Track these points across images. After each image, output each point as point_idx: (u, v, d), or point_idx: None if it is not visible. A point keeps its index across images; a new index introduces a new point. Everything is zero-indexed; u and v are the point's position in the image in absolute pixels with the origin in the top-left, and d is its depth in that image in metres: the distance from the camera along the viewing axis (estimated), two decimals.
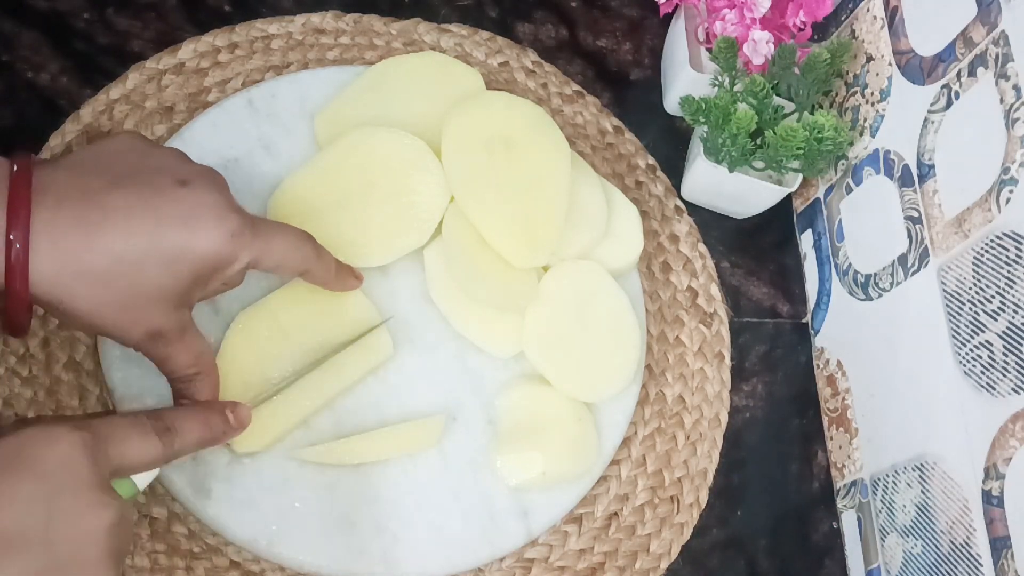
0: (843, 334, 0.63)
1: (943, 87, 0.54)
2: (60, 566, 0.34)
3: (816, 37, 0.68)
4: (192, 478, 0.49)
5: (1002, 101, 0.49)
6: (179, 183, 0.41)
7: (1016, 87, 0.48)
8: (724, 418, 0.61)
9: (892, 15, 0.60)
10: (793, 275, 0.68)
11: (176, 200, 0.40)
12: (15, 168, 0.39)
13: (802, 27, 0.63)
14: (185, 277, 0.41)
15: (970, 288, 0.51)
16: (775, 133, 0.59)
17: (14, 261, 0.38)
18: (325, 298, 0.52)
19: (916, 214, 0.56)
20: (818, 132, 0.59)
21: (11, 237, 0.37)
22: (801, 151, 0.59)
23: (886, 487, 0.57)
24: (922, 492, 0.54)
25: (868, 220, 0.62)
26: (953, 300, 0.52)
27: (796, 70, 0.62)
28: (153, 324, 0.42)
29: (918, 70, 0.57)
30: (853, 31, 0.64)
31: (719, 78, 0.61)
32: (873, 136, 0.61)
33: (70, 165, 0.41)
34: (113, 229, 0.39)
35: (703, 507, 0.58)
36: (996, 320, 0.48)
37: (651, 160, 0.67)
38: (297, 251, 0.46)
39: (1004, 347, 0.48)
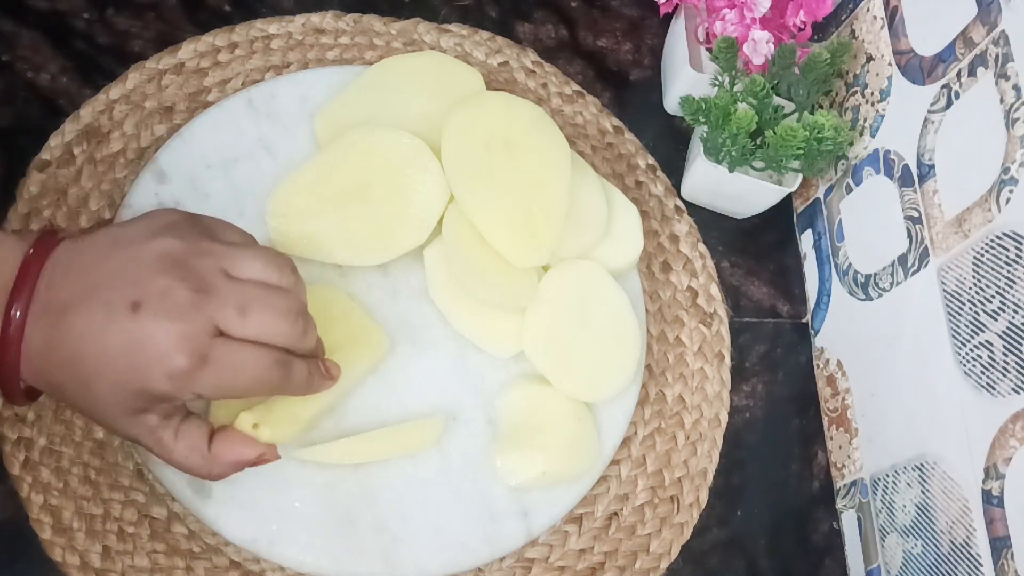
0: (843, 334, 0.63)
1: (943, 87, 0.54)
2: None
3: (816, 37, 0.68)
4: (192, 478, 0.49)
5: (1002, 101, 0.49)
6: (132, 307, 0.39)
7: (1016, 87, 0.48)
8: (724, 418, 0.61)
9: (892, 15, 0.60)
10: (793, 275, 0.68)
11: (121, 330, 0.39)
12: (31, 251, 0.40)
13: (802, 27, 0.63)
14: (129, 402, 0.40)
15: (970, 288, 0.51)
16: (775, 133, 0.59)
17: (12, 333, 0.39)
18: (319, 304, 0.52)
19: (916, 214, 0.56)
20: (818, 132, 0.59)
21: (12, 311, 0.39)
22: (801, 151, 0.59)
23: (886, 487, 0.57)
24: (922, 492, 0.54)
25: (868, 220, 0.62)
26: (953, 300, 0.52)
27: (796, 70, 0.62)
28: (120, 430, 0.42)
29: (918, 70, 0.57)
30: (853, 31, 0.64)
31: (719, 78, 0.61)
32: (873, 136, 0.61)
33: (77, 255, 0.41)
34: (67, 349, 0.39)
35: (703, 507, 0.58)
36: (996, 320, 0.48)
37: (651, 160, 0.67)
38: (260, 383, 0.42)
39: (1004, 347, 0.48)
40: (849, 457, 0.61)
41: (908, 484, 0.55)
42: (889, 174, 0.59)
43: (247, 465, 0.46)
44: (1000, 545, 0.47)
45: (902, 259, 0.57)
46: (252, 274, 0.42)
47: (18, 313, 0.39)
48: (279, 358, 0.42)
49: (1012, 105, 0.48)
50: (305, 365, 0.45)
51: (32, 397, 0.42)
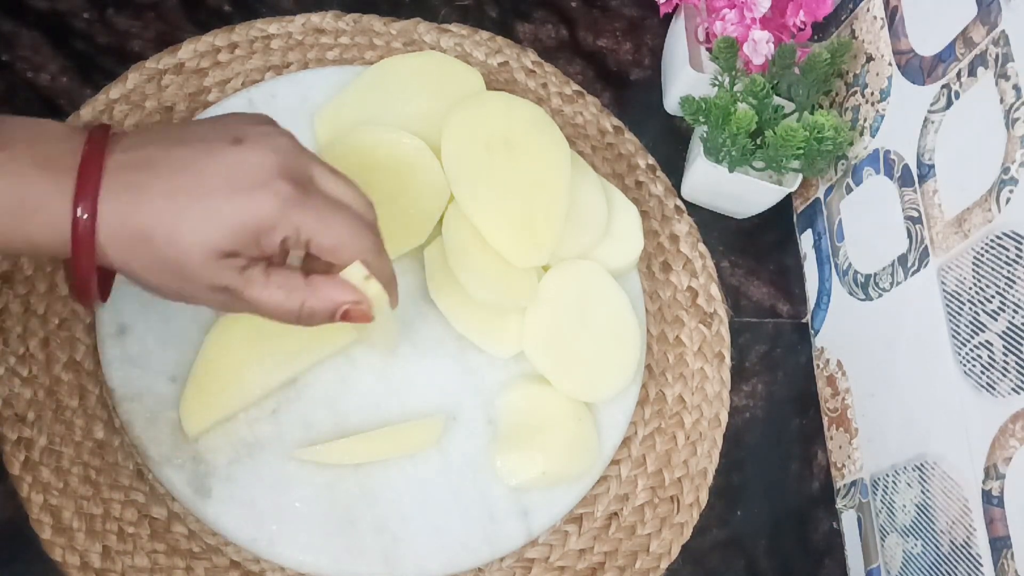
0: (843, 334, 0.63)
1: (943, 87, 0.54)
2: None
3: (816, 37, 0.68)
4: (192, 478, 0.49)
5: (1002, 101, 0.49)
6: (233, 141, 0.39)
7: (1016, 87, 0.48)
8: (724, 418, 0.61)
9: (892, 15, 0.60)
10: (793, 275, 0.68)
11: (223, 159, 0.39)
12: (89, 139, 0.38)
13: (802, 27, 0.63)
14: (222, 237, 0.39)
15: (970, 288, 0.51)
16: (775, 133, 0.59)
17: (81, 232, 0.37)
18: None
19: (916, 214, 0.56)
20: (818, 132, 0.59)
21: (78, 211, 0.37)
22: (801, 151, 0.59)
23: (886, 487, 0.57)
24: (922, 492, 0.54)
25: (868, 220, 0.62)
26: (953, 300, 0.52)
27: (796, 70, 0.62)
28: (206, 280, 0.40)
29: (918, 70, 0.57)
30: (853, 31, 0.64)
31: (719, 78, 0.61)
32: (873, 136, 0.61)
33: (142, 136, 0.40)
34: (158, 187, 0.38)
35: (703, 507, 0.58)
36: (996, 320, 0.48)
37: (651, 160, 0.67)
38: (354, 239, 0.42)
39: (1004, 347, 0.48)
40: (849, 457, 0.61)
41: (908, 484, 0.55)
42: (889, 174, 0.59)
43: (343, 309, 0.43)
44: (1000, 545, 0.47)
45: (902, 259, 0.57)
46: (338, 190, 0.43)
47: (84, 214, 0.37)
48: (373, 226, 0.44)
49: (1012, 105, 0.48)
50: (390, 263, 0.46)
51: (104, 294, 0.42)
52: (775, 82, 0.62)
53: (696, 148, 0.63)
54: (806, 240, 0.68)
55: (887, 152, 0.59)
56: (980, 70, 0.51)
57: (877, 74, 0.61)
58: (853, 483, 0.60)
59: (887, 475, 0.57)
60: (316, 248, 0.41)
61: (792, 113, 0.63)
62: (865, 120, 0.62)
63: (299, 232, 0.40)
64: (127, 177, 0.38)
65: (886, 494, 0.57)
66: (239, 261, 0.40)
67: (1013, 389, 0.47)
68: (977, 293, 0.50)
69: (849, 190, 0.64)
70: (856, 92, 0.64)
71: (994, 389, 0.48)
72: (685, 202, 0.66)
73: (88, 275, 0.39)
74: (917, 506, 0.54)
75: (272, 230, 0.39)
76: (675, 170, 0.67)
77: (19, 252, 0.41)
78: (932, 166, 0.55)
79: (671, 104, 0.68)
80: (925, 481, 0.54)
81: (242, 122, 0.42)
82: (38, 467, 0.49)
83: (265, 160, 0.39)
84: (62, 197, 0.37)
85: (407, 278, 0.56)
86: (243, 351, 0.51)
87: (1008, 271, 0.48)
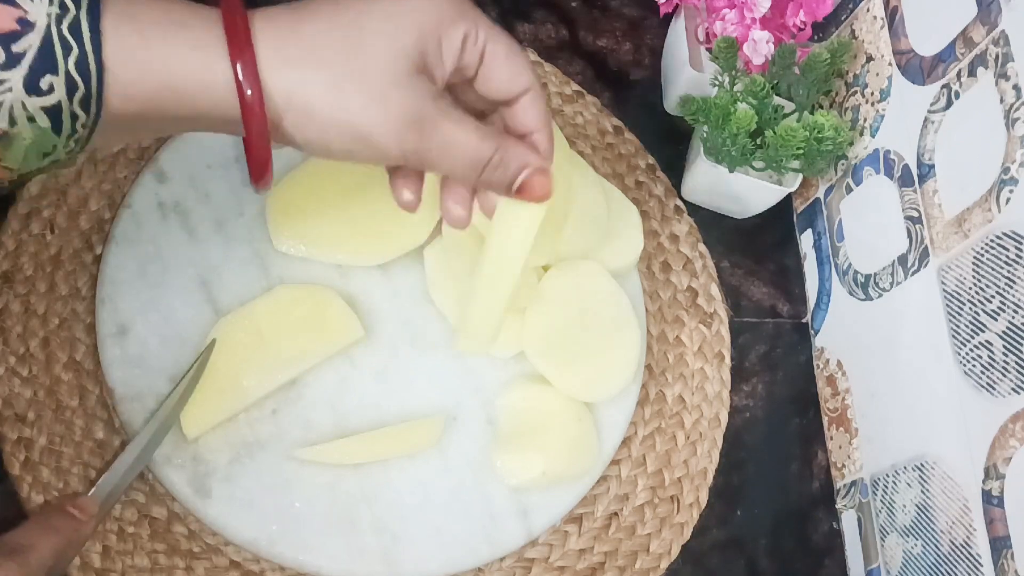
0: (843, 334, 0.63)
1: (943, 87, 0.54)
2: None
3: (816, 37, 0.68)
4: (192, 478, 0.49)
5: (1002, 101, 0.49)
6: None
7: (1016, 87, 0.48)
8: (724, 418, 0.61)
9: (892, 15, 0.60)
10: (793, 275, 0.68)
11: None
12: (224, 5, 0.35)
13: (802, 27, 0.63)
14: (408, 32, 0.36)
15: (970, 288, 0.51)
16: (775, 133, 0.59)
17: (248, 98, 0.34)
18: (308, 307, 0.52)
19: (916, 214, 0.56)
20: (818, 132, 0.59)
21: (237, 71, 0.34)
22: (801, 151, 0.59)
23: (886, 487, 0.57)
24: (922, 492, 0.54)
25: (868, 220, 0.62)
26: (953, 300, 0.52)
27: (796, 70, 0.62)
28: (401, 105, 0.36)
29: (918, 70, 0.57)
30: (853, 31, 0.64)
31: (719, 78, 0.61)
32: (873, 136, 0.61)
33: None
34: (322, 5, 0.36)
35: (703, 507, 0.58)
36: (996, 320, 0.48)
37: (651, 160, 0.67)
38: (525, 61, 0.40)
39: (1004, 347, 0.48)
40: (849, 457, 0.61)
41: (908, 484, 0.55)
42: (889, 174, 0.59)
43: (530, 171, 0.40)
44: (1000, 545, 0.47)
45: (902, 259, 0.57)
46: None
47: (241, 68, 0.34)
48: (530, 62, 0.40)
49: (1012, 105, 0.48)
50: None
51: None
52: (775, 82, 0.62)
53: (696, 148, 0.63)
54: (806, 240, 0.68)
55: (887, 152, 0.59)
56: (980, 70, 0.51)
57: (877, 74, 0.61)
58: (853, 483, 0.60)
59: (887, 475, 0.57)
60: (491, 56, 0.39)
61: (792, 113, 0.63)
62: (865, 120, 0.62)
63: (477, 29, 0.37)
64: (284, 20, 0.35)
65: (886, 494, 0.57)
66: (431, 87, 0.37)
67: (1013, 389, 0.47)
68: (977, 293, 0.50)
69: (849, 190, 0.64)
70: (856, 92, 0.64)
71: (994, 389, 0.48)
72: (685, 202, 0.66)
73: (263, 155, 0.36)
74: (917, 506, 0.54)
75: (454, 23, 0.37)
76: (675, 170, 0.67)
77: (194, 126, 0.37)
78: (932, 166, 0.55)
79: (671, 104, 0.68)
80: (925, 481, 0.54)
81: None
82: (38, 467, 0.49)
83: None
84: (223, 70, 0.34)
85: (407, 278, 0.56)
86: (243, 352, 0.51)
87: (1008, 271, 0.48)
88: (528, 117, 0.41)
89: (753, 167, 0.62)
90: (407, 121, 0.36)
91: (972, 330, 0.50)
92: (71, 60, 0.32)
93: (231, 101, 0.34)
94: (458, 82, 0.40)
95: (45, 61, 0.31)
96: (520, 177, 0.40)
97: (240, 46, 0.34)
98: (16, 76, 0.31)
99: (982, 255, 0.50)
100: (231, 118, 0.35)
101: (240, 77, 0.34)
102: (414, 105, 0.36)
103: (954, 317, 0.52)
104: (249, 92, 0.34)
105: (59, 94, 0.32)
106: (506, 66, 0.39)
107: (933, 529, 0.53)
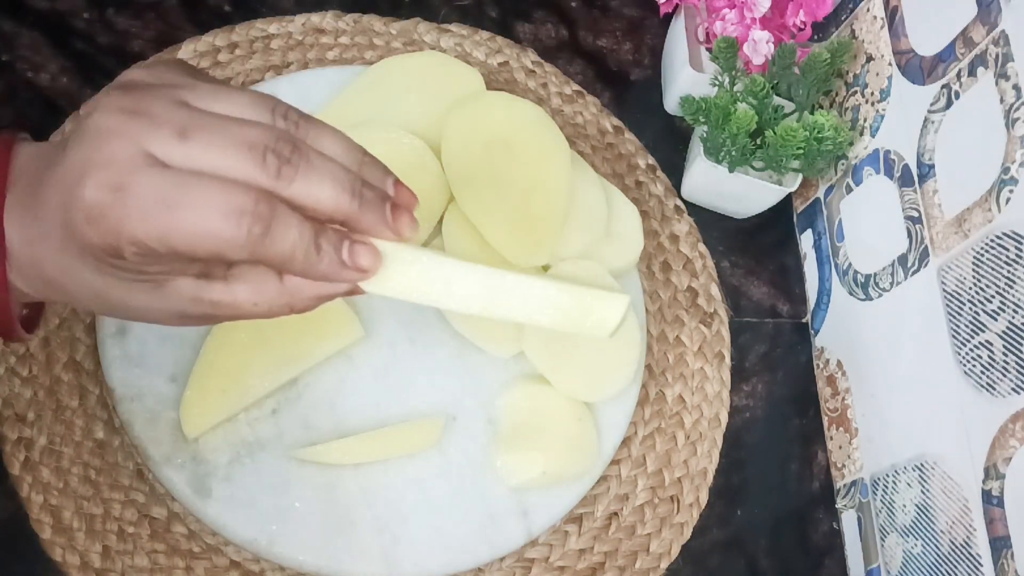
0: (843, 334, 0.63)
1: (943, 87, 0.54)
2: None
3: (816, 37, 0.68)
4: (192, 478, 0.49)
5: (1002, 101, 0.49)
6: (61, 143, 0.32)
7: (1016, 87, 0.48)
8: (724, 418, 0.61)
9: (892, 15, 0.60)
10: (793, 275, 0.68)
11: (56, 169, 0.31)
12: None
13: (802, 27, 0.63)
14: (82, 236, 0.31)
15: (970, 288, 0.51)
16: (775, 133, 0.59)
17: None
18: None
19: (916, 214, 0.56)
20: (818, 132, 0.59)
21: None
22: (801, 151, 0.59)
23: (886, 487, 0.57)
24: (922, 492, 0.54)
25: (868, 220, 0.62)
26: (953, 300, 0.52)
27: (796, 70, 0.62)
28: (154, 309, 0.34)
29: (918, 70, 0.57)
30: (853, 31, 0.64)
31: (719, 78, 0.61)
32: (873, 136, 0.61)
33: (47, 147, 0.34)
34: (48, 186, 0.32)
35: (703, 507, 0.58)
36: (996, 320, 0.48)
37: (651, 160, 0.67)
38: (212, 231, 0.30)
39: (1004, 347, 0.48)
40: (849, 457, 0.61)
41: (908, 484, 0.55)
42: (889, 174, 0.59)
43: (333, 296, 0.35)
44: (1000, 545, 0.47)
45: (902, 259, 0.57)
46: (222, 109, 0.32)
47: None
48: (247, 203, 0.30)
49: (1012, 105, 0.48)
50: (303, 227, 0.32)
51: (31, 326, 0.36)
52: (775, 82, 0.62)
53: (696, 148, 0.63)
54: (806, 240, 0.68)
55: (887, 152, 0.59)
56: (980, 70, 0.51)
57: (877, 74, 0.61)
58: (853, 483, 0.60)
59: (887, 475, 0.57)
60: (176, 240, 0.33)
61: (792, 113, 0.63)
62: (865, 120, 0.62)
63: (142, 234, 0.31)
64: (29, 185, 0.32)
65: (886, 494, 0.57)
66: (184, 283, 0.34)
67: (1013, 389, 0.47)
68: (977, 293, 0.50)
69: (849, 190, 0.64)
70: (856, 92, 0.64)
71: (994, 389, 0.48)
72: (685, 202, 0.66)
73: (5, 313, 0.33)
74: (917, 506, 0.54)
75: (114, 253, 0.32)
76: (675, 170, 0.67)
77: None
78: (932, 166, 0.55)
79: (671, 104, 0.68)
80: (925, 481, 0.54)
81: (97, 101, 0.32)
82: (38, 467, 0.49)
83: (76, 160, 0.31)
84: None
85: None
86: (243, 351, 0.51)
87: (1008, 271, 0.48)
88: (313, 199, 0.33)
89: (753, 167, 0.62)
90: (175, 314, 0.34)
91: (972, 330, 0.50)
92: None
93: None
94: None
95: None
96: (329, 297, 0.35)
97: None
98: None
99: (982, 255, 0.50)
100: None
101: None
102: (167, 305, 0.34)
103: (954, 317, 0.52)
104: None
105: None
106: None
107: (933, 529, 0.53)
